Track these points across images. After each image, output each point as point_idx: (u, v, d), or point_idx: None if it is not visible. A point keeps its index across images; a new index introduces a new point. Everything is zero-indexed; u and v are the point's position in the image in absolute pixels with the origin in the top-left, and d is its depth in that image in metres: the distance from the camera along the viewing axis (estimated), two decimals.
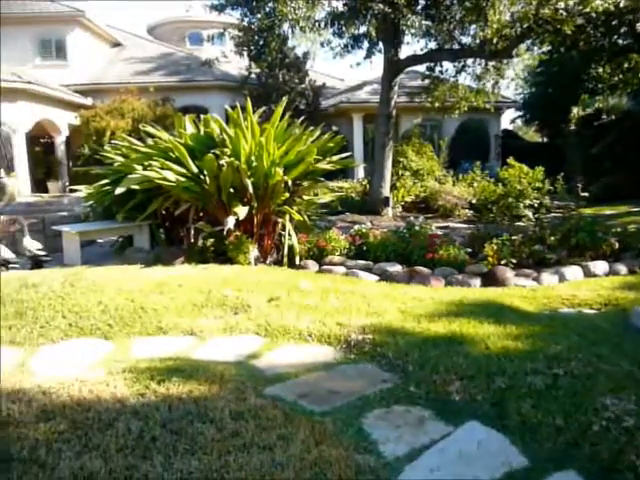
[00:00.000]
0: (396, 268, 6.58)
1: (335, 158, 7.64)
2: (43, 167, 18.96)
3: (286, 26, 11.40)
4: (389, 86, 12.33)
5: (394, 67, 12.21)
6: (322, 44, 13.01)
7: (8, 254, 7.16)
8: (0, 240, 7.66)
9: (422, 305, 5.09)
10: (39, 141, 18.96)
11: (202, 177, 6.82)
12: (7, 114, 16.07)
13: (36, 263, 7.21)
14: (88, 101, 19.48)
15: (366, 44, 12.98)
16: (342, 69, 47.78)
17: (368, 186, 13.08)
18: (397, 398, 3.24)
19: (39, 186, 17.63)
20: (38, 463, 2.51)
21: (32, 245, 7.30)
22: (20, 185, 15.35)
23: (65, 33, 20.32)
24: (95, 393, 3.22)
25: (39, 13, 20.19)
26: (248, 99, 7.46)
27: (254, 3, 10.78)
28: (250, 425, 2.84)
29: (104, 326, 4.54)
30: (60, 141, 19.00)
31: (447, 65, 13.62)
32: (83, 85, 20.00)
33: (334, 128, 14.28)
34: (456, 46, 12.08)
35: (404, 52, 12.64)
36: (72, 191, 13.93)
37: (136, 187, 6.98)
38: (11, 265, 7.08)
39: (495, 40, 10.28)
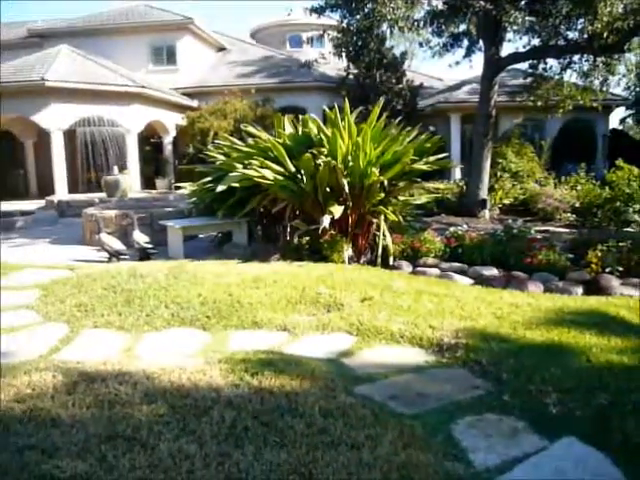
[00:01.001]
0: (492, 272, 6.38)
1: (432, 159, 7.52)
2: (152, 165, 20.15)
3: (385, 26, 11.34)
4: (489, 85, 11.94)
5: (494, 65, 11.80)
6: (420, 44, 12.84)
7: (120, 246, 7.66)
8: (113, 233, 8.22)
9: (519, 311, 4.90)
10: (149, 141, 20.18)
11: (299, 176, 6.96)
12: (122, 116, 17.25)
13: (144, 255, 7.65)
14: (194, 103, 20.47)
15: (466, 42, 12.65)
16: (441, 68, 46.78)
17: (465, 187, 12.75)
18: (489, 406, 3.14)
19: (148, 183, 18.76)
20: (140, 442, 2.68)
21: (141, 238, 7.74)
22: (131, 182, 16.40)
23: (176, 40, 21.51)
24: (193, 381, 3.39)
25: (153, 22, 21.52)
26: (346, 99, 7.51)
27: (353, 5, 10.80)
28: (339, 423, 2.87)
29: (203, 317, 4.76)
30: (168, 141, 20.12)
31: (551, 62, 12.97)
32: (190, 88, 21.06)
33: (431, 128, 14.06)
34: (562, 42, 11.44)
35: (505, 50, 12.18)
36: (177, 188, 14.67)
37: (236, 185, 7.24)
38: (122, 256, 7.57)
39: (605, 34, 9.65)
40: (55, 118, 16.27)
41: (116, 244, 7.64)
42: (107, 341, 4.35)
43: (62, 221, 12.60)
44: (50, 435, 2.76)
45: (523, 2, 10.72)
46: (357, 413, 2.99)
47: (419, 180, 7.94)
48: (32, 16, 28.50)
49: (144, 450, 2.61)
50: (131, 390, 3.25)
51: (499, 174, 13.19)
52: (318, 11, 11.47)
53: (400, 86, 18.30)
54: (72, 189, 16.91)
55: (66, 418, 2.94)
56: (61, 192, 16.30)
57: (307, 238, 7.18)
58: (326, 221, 6.72)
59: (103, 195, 14.54)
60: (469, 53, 12.78)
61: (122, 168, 16.16)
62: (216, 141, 9.74)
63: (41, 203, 15.55)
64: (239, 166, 7.30)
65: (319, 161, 6.79)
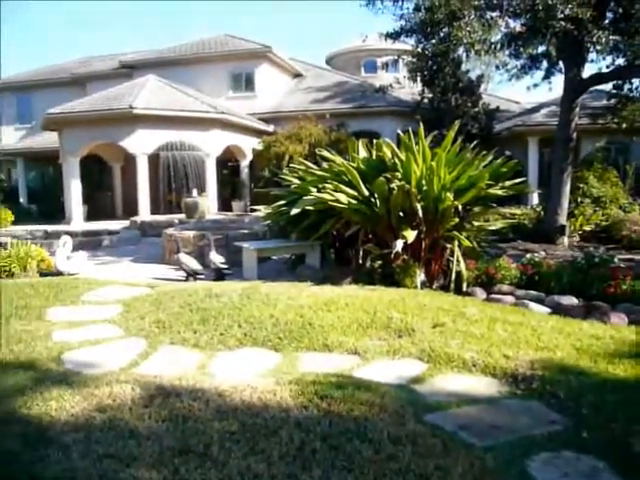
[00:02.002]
0: (571, 301, 6.11)
1: (508, 183, 7.35)
2: (229, 188, 20.81)
3: (460, 50, 11.27)
4: (569, 107, 11.55)
5: (576, 87, 11.42)
6: (497, 66, 12.65)
7: (197, 266, 7.94)
8: (191, 253, 8.53)
9: (600, 343, 4.66)
10: (227, 164, 20.88)
11: (372, 200, 6.98)
12: (202, 141, 17.99)
13: (219, 275, 7.88)
14: (270, 128, 21.04)
15: (545, 64, 12.31)
16: (517, 91, 45.65)
17: (542, 213, 12.32)
18: (567, 442, 3.00)
19: (225, 205, 19.36)
20: (211, 458, 2.75)
21: (217, 259, 7.99)
22: (209, 204, 17.00)
23: (254, 67, 22.29)
24: (263, 400, 3.45)
25: (233, 51, 22.45)
26: (420, 123, 7.50)
27: (429, 29, 10.81)
28: (408, 450, 2.83)
29: (274, 338, 4.83)
30: (244, 164, 20.74)
31: (637, 82, 12.40)
32: (266, 113, 21.69)
33: (507, 153, 13.74)
34: None
35: (587, 70, 11.77)
36: (252, 210, 15.07)
37: (310, 208, 7.35)
38: (198, 275, 7.84)
39: None
40: (141, 143, 17.21)
41: (193, 264, 7.92)
42: (182, 357, 4.51)
43: (144, 240, 13.22)
44: (127, 445, 2.89)
45: (607, 21, 10.37)
46: (427, 442, 2.94)
47: (494, 205, 7.77)
48: (124, 49, 30.37)
49: (215, 466, 2.68)
50: (204, 406, 3.35)
51: (579, 199, 12.66)
52: (393, 37, 11.55)
53: (476, 109, 18.06)
54: (154, 210, 17.73)
55: (142, 430, 3.06)
56: (144, 213, 17.14)
57: (379, 262, 7.16)
58: (399, 245, 6.68)
59: (182, 216, 15.15)
60: (548, 75, 12.43)
61: (201, 190, 16.81)
62: (291, 165, 9.95)
63: (125, 223, 16.39)
64: (313, 190, 7.42)
65: (393, 185, 6.80)
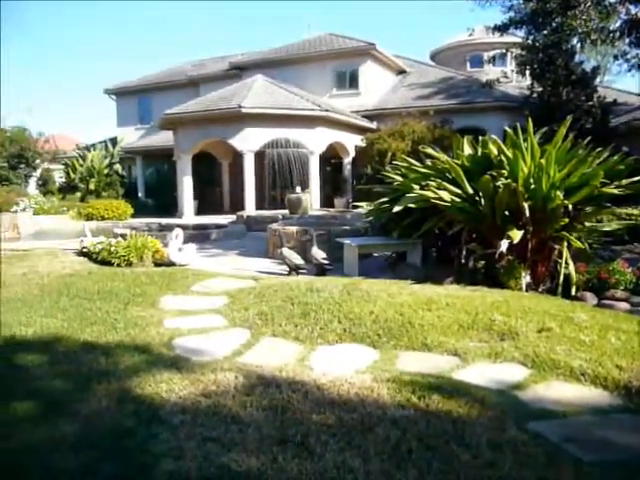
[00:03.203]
0: None
1: (625, 182, 6.86)
2: (331, 184, 21.07)
3: (574, 40, 10.68)
4: None
5: None
6: (615, 56, 11.85)
7: (299, 260, 8.11)
8: (294, 247, 8.74)
9: None
10: (329, 161, 21.14)
11: (477, 198, 6.79)
12: (306, 138, 18.35)
13: (320, 270, 8.01)
14: (373, 125, 21.04)
15: None
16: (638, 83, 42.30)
17: None
18: None
19: (327, 201, 19.64)
20: (308, 449, 2.82)
21: (318, 254, 8.12)
22: (312, 200, 17.32)
23: (358, 65, 22.38)
24: (360, 396, 3.48)
25: (338, 50, 22.66)
26: (529, 119, 7.18)
27: (540, 20, 10.33)
28: (508, 459, 2.74)
29: (373, 335, 4.85)
30: (347, 162, 20.90)
31: None
32: (369, 111, 21.72)
33: (624, 149, 12.80)
34: None
35: None
36: (354, 207, 15.15)
37: (412, 206, 7.28)
38: (300, 270, 8.01)
39: None
40: (248, 141, 17.87)
41: (296, 258, 8.10)
42: (283, 349, 4.64)
43: (249, 234, 13.71)
44: (229, 431, 3.03)
45: None
46: (529, 451, 2.83)
47: (609, 205, 7.28)
48: (233, 50, 31.64)
49: (311, 457, 2.75)
50: (302, 398, 3.44)
51: None
52: (501, 29, 11.18)
53: (590, 103, 16.94)
54: (259, 205, 18.36)
55: (244, 417, 3.20)
56: (249, 208, 17.79)
57: (482, 262, 6.96)
58: (504, 245, 6.45)
59: (286, 212, 15.54)
60: None
61: (304, 187, 17.15)
62: (393, 162, 9.90)
63: (232, 218, 17.10)
64: (416, 187, 7.34)
65: (498, 183, 6.57)
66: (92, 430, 3.12)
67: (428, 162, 8.02)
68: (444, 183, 6.98)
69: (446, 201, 6.81)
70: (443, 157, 7.67)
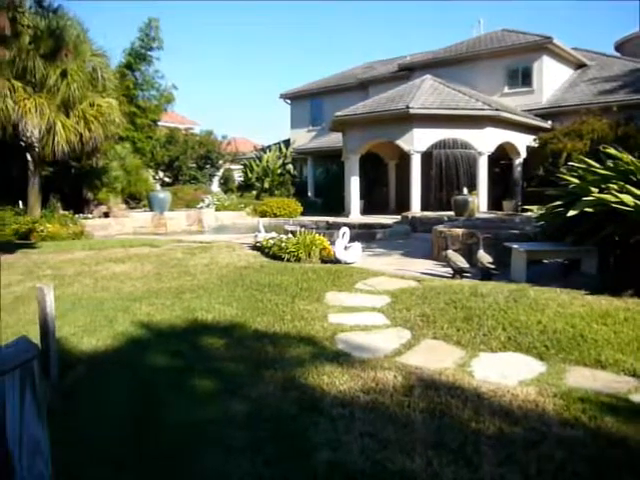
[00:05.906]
0: None
1: None
2: (499, 186, 20.22)
3: None
4: None
5: None
6: None
7: (464, 264, 7.93)
8: (459, 250, 8.57)
9: None
10: (498, 162, 20.30)
11: None
12: (475, 139, 17.85)
13: (485, 274, 7.75)
14: (547, 124, 19.81)
15: None
16: None
17: None
18: None
19: (495, 204, 18.89)
20: (465, 458, 2.79)
21: (484, 258, 7.85)
22: (479, 202, 16.80)
23: (532, 61, 21.20)
24: (523, 410, 3.34)
25: (510, 46, 21.64)
26: None
27: None
28: None
29: (540, 346, 4.60)
30: (517, 162, 19.94)
31: None
32: (543, 109, 20.48)
33: None
34: None
35: None
36: (524, 210, 14.42)
37: (589, 210, 6.75)
38: (465, 274, 7.83)
39: None
40: (415, 141, 17.84)
41: (461, 261, 7.93)
42: (443, 353, 4.60)
43: (413, 235, 13.69)
44: (386, 428, 3.10)
45: None
46: None
47: None
48: (401, 52, 31.76)
49: (467, 466, 2.71)
50: (461, 405, 3.39)
51: None
52: None
53: None
54: (424, 206, 18.24)
55: (401, 416, 3.25)
56: (415, 208, 17.77)
57: None
58: None
59: (451, 213, 15.26)
60: None
61: (471, 188, 16.69)
62: (569, 163, 9.23)
63: (397, 218, 17.20)
64: (594, 190, 6.79)
65: None
66: (258, 412, 3.39)
67: (609, 163, 7.36)
68: (627, 186, 6.37)
69: (629, 205, 6.21)
70: (627, 157, 7.00)
